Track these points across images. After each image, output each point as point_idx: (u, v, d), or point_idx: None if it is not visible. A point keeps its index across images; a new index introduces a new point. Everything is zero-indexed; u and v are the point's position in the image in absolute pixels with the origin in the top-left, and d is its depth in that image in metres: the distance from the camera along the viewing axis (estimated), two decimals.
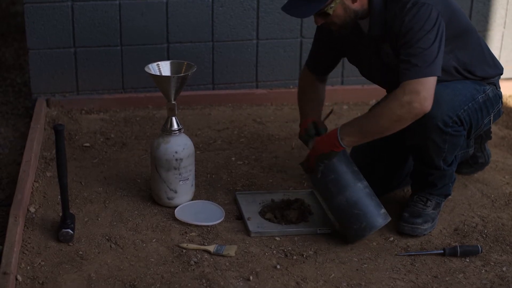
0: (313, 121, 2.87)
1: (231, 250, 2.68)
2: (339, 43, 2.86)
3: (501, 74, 2.92)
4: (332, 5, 2.59)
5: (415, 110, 2.52)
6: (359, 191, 2.69)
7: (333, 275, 2.59)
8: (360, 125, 2.63)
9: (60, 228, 2.71)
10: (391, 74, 2.77)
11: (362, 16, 2.68)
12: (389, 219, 2.73)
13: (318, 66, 3.02)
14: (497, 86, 2.90)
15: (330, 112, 2.96)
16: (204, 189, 3.15)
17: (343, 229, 2.76)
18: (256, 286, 2.51)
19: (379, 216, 2.69)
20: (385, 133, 2.61)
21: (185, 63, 2.92)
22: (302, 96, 3.04)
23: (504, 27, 4.31)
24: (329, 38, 2.86)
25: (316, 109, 2.97)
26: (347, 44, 2.85)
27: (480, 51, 2.85)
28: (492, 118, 2.87)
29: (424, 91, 2.52)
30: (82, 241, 2.73)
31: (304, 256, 2.69)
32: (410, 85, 2.53)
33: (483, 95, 2.80)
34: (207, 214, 2.91)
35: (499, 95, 2.89)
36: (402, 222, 2.82)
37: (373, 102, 4.02)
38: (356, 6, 2.63)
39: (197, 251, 2.69)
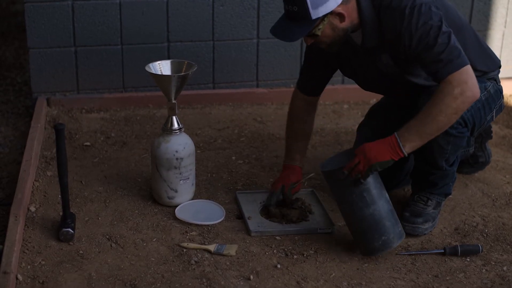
0: (283, 184, 2.93)
1: (232, 250, 2.68)
2: (331, 57, 2.85)
3: (500, 67, 2.92)
4: (320, 26, 2.58)
5: (468, 98, 2.53)
6: (387, 202, 2.64)
7: (333, 274, 2.59)
8: (418, 129, 2.57)
9: (61, 227, 2.71)
10: (388, 82, 2.77)
11: (354, 30, 2.66)
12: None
13: (309, 85, 3.00)
14: (497, 81, 2.89)
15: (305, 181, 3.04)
16: (205, 188, 3.14)
17: (364, 240, 2.64)
18: (256, 286, 2.51)
19: (400, 229, 2.67)
20: (444, 129, 2.59)
21: (186, 62, 2.92)
22: (291, 125, 3.05)
23: (505, 26, 4.31)
24: (321, 54, 2.86)
25: (303, 147, 3.05)
26: (340, 58, 2.84)
27: (478, 46, 2.84)
28: (494, 114, 2.87)
29: (470, 79, 2.53)
30: (83, 240, 2.73)
31: (305, 255, 2.68)
32: (455, 77, 2.52)
33: (485, 92, 2.80)
34: (207, 213, 2.91)
35: (500, 90, 2.88)
36: (402, 222, 2.81)
37: (373, 101, 4.02)
38: (344, 24, 2.61)
39: (198, 250, 2.69)
